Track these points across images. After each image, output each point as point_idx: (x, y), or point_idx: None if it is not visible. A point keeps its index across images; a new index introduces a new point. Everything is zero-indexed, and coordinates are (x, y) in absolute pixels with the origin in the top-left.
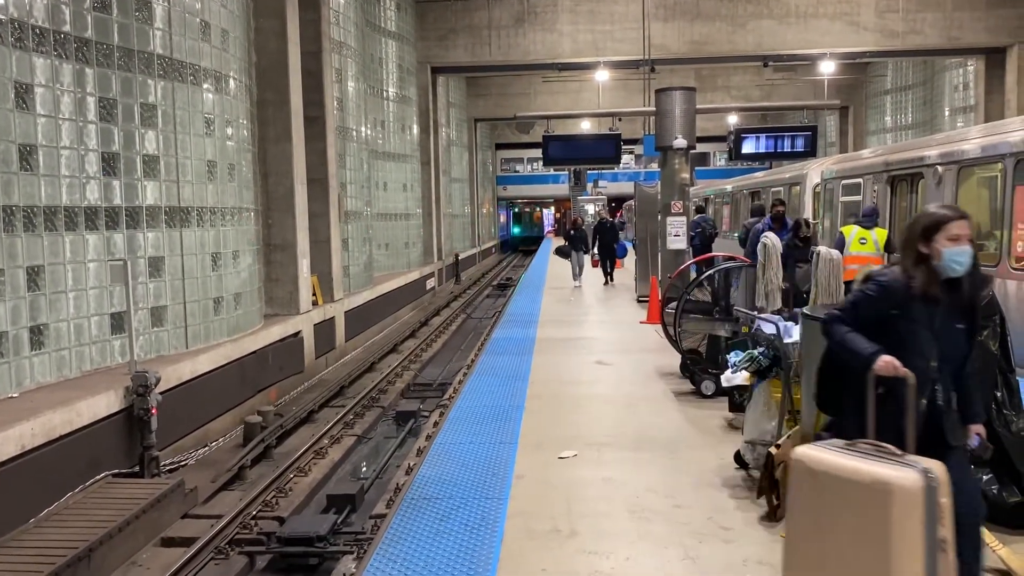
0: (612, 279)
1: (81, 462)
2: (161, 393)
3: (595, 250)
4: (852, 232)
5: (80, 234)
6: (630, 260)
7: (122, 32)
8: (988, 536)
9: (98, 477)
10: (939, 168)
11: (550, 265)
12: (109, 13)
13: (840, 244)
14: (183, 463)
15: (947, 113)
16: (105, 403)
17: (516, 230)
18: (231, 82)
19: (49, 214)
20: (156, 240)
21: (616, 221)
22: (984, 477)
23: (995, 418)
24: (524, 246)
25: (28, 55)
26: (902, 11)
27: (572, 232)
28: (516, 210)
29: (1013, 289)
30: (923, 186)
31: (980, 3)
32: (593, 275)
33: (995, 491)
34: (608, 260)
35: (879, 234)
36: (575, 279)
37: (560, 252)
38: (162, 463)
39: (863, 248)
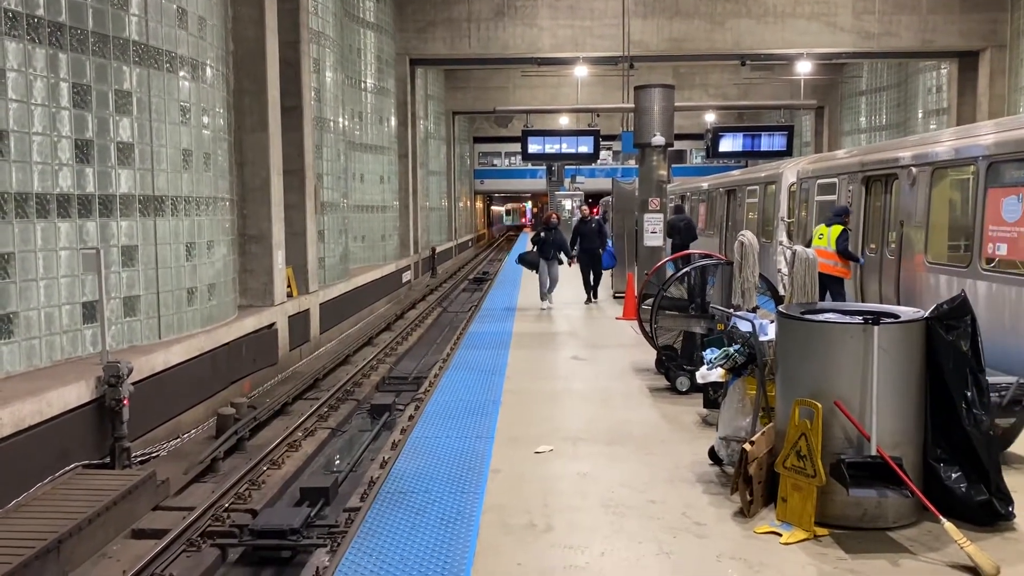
0: (595, 296)
1: (51, 453)
2: (133, 384)
3: (575, 250)
4: (816, 228)
5: (52, 222)
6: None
7: (97, 17)
8: (956, 533)
9: (68, 468)
10: (913, 169)
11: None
12: None
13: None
14: (155, 454)
15: (920, 115)
16: (76, 393)
17: (506, 220)
18: (208, 70)
19: (20, 201)
20: (130, 229)
21: (600, 219)
22: (953, 475)
23: (964, 416)
24: (511, 232)
25: (0, 39)
26: (878, 13)
27: (543, 234)
28: (505, 207)
29: (983, 290)
30: (897, 187)
31: (954, 7)
32: (570, 283)
33: (963, 489)
34: (591, 271)
35: (834, 230)
36: (543, 299)
37: (525, 261)
38: (133, 454)
39: (819, 242)
